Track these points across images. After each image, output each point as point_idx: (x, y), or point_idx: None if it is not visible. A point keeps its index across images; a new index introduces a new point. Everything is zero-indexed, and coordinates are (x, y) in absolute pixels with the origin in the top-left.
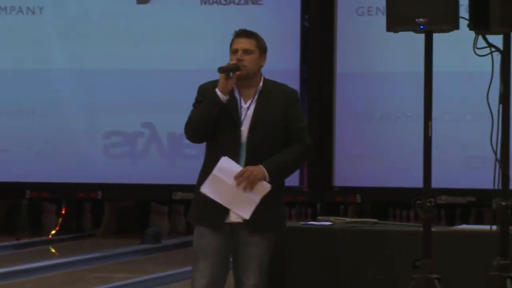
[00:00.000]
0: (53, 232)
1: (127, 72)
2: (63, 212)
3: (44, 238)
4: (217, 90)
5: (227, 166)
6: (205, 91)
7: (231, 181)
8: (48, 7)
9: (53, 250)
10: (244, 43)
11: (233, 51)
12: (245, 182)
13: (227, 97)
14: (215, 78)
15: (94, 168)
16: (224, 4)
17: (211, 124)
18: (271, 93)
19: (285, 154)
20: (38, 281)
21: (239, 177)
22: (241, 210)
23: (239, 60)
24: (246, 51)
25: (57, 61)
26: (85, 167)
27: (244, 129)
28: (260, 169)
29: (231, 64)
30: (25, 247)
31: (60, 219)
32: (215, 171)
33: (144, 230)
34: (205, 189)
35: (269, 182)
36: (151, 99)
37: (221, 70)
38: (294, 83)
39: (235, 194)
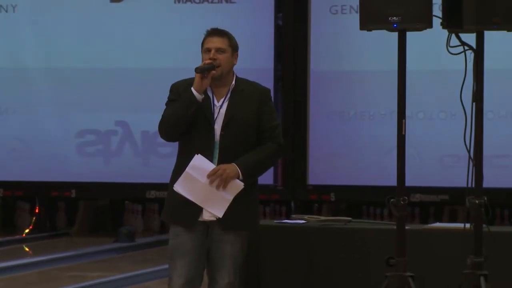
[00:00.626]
0: (27, 231)
1: (101, 71)
2: (36, 211)
3: (17, 237)
4: (193, 89)
5: (200, 164)
6: (178, 90)
7: (204, 179)
8: (22, 5)
9: (27, 249)
10: (216, 42)
11: (206, 50)
12: (218, 180)
13: (203, 96)
14: (188, 77)
15: (67, 166)
16: (198, 3)
17: (186, 123)
18: (244, 91)
19: (258, 152)
20: (11, 280)
21: (212, 175)
22: (214, 208)
23: (213, 60)
24: (219, 50)
25: (31, 60)
26: (59, 166)
27: (217, 127)
28: (233, 167)
29: (207, 64)
30: None
31: (34, 218)
32: (188, 169)
33: (118, 228)
34: (178, 187)
35: (242, 181)
36: (124, 97)
37: (198, 70)
38: (268, 81)
39: (208, 192)
